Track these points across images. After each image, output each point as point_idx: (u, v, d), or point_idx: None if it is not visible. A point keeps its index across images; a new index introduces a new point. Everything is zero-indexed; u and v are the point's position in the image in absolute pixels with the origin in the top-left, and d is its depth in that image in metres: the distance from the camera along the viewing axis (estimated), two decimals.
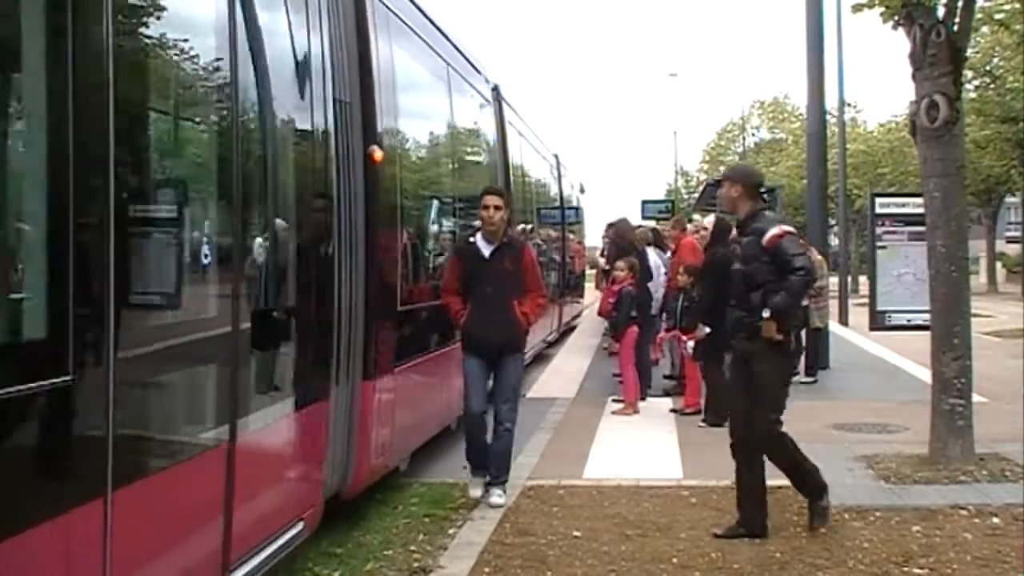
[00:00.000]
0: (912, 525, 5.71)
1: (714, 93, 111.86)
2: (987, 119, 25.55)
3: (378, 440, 5.85)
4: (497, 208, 6.36)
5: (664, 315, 10.83)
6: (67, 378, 2.72)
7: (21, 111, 2.78)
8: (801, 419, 9.15)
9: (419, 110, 7.59)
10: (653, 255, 11.54)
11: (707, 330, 8.90)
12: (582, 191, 24.53)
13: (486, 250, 6.38)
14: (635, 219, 18.54)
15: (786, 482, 6.70)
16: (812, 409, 9.81)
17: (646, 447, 8.13)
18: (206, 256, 3.71)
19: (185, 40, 3.58)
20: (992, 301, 28.34)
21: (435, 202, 8.29)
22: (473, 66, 9.88)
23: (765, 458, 5.65)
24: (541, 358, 14.05)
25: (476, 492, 6.35)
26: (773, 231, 5.42)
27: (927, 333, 7.46)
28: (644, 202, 25.05)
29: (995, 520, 5.77)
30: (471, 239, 6.55)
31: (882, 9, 7.26)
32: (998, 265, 39.07)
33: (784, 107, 56.40)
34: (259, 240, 4.27)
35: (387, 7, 6.36)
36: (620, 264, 10.26)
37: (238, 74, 3.89)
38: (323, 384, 5.01)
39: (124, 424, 3.01)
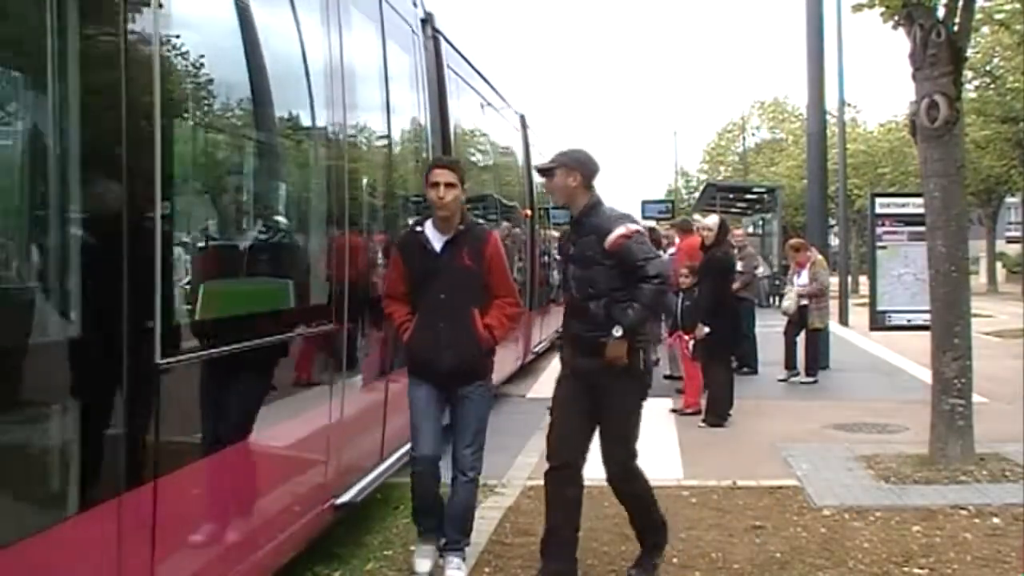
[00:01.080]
0: (912, 525, 5.71)
1: (714, 93, 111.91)
2: (987, 119, 25.56)
3: None
4: (450, 185, 4.79)
5: (664, 315, 10.83)
6: (332, 326, 4.81)
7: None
8: (801, 419, 9.23)
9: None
10: None
11: (707, 330, 8.94)
12: None
13: (437, 242, 4.88)
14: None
15: (786, 482, 6.74)
16: (812, 409, 9.84)
17: (646, 447, 8.07)
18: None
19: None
20: (992, 301, 28.34)
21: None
22: None
23: (576, 500, 4.89)
24: (541, 358, 14.02)
25: (423, 567, 4.94)
26: (619, 231, 4.59)
27: (927, 333, 7.47)
28: (644, 202, 25.11)
29: (995, 520, 5.77)
30: (418, 228, 4.99)
31: (882, 9, 7.27)
32: (998, 265, 39.09)
33: (784, 107, 56.43)
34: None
35: None
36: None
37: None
38: None
39: (360, 350, 5.38)
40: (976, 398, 7.46)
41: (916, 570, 4.98)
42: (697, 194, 43.60)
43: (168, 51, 3.34)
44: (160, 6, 3.20)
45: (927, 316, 7.56)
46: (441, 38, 8.48)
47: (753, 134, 58.97)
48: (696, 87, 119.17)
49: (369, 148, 5.99)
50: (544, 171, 4.94)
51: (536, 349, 12.99)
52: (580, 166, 4.77)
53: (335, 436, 4.91)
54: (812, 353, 11.76)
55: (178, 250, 3.40)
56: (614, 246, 4.57)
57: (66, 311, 2.77)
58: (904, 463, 7.08)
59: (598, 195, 4.82)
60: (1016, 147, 27.25)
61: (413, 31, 7.15)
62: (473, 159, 10.01)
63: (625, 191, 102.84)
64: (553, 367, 13.61)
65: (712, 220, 9.63)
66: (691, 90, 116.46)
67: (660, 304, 4.91)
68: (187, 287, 3.52)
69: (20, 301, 2.68)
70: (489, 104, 11.00)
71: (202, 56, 3.65)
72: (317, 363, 4.84)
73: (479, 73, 10.39)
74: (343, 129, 5.13)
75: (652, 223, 17.84)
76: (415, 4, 7.45)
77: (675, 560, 5.15)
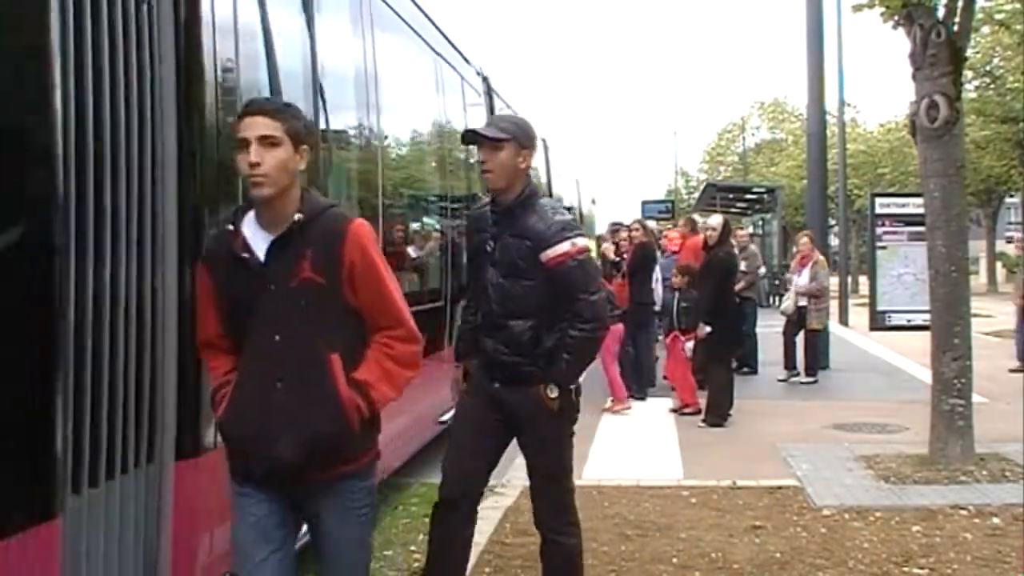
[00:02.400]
0: (912, 525, 5.71)
1: (714, 93, 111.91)
2: (987, 119, 25.55)
3: None
4: (269, 142, 2.79)
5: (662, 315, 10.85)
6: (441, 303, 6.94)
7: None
8: (801, 419, 9.23)
9: None
10: None
11: (708, 329, 8.94)
12: (593, 203, 25.47)
13: (259, 245, 2.88)
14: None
15: (786, 482, 6.75)
16: (812, 409, 9.84)
17: (646, 447, 8.13)
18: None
19: None
20: (992, 301, 28.31)
21: None
22: None
23: (469, 541, 4.16)
24: None
25: None
26: (562, 248, 3.67)
27: (927, 333, 7.47)
28: (644, 202, 25.18)
29: (995, 520, 5.77)
30: (231, 225, 2.94)
31: (882, 9, 7.27)
32: (998, 265, 39.06)
33: (784, 107, 56.44)
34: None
35: None
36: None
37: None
38: None
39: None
40: (976, 398, 7.46)
41: (916, 570, 4.98)
42: (697, 194, 43.59)
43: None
44: None
45: (927, 316, 7.57)
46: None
47: (753, 134, 59.04)
48: (696, 87, 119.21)
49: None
50: (486, 141, 3.76)
51: None
52: (531, 144, 3.84)
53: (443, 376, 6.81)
54: (812, 353, 11.77)
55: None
56: (554, 264, 3.69)
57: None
58: (904, 463, 7.08)
59: (532, 182, 3.92)
60: (1016, 147, 27.25)
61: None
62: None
63: (625, 191, 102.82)
64: None
65: (716, 220, 9.64)
66: (691, 90, 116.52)
67: (592, 352, 3.95)
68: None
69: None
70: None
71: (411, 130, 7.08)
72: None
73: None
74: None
75: (652, 223, 17.86)
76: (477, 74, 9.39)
77: (675, 560, 5.15)
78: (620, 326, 9.96)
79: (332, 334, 2.87)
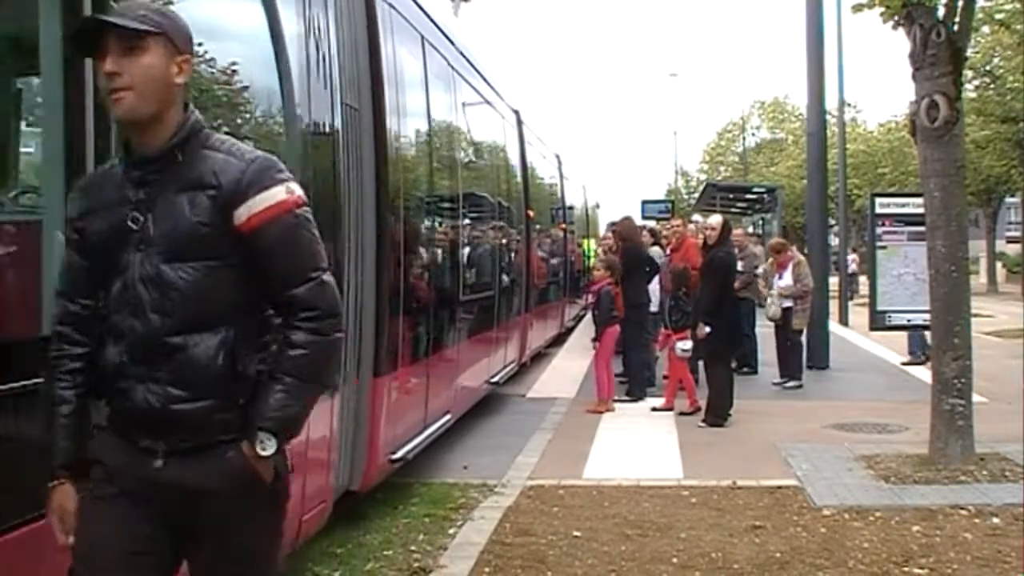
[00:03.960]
0: (912, 525, 5.71)
1: (714, 93, 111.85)
2: (987, 119, 25.55)
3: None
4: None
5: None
6: (491, 293, 9.43)
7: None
8: (801, 419, 9.23)
9: None
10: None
11: (708, 329, 8.93)
12: (597, 207, 26.59)
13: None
14: (635, 219, 18.85)
15: (786, 482, 6.75)
16: (812, 409, 9.84)
17: (646, 447, 8.13)
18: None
19: None
20: (992, 301, 28.34)
21: None
22: None
23: None
24: (541, 357, 14.02)
25: None
26: (274, 195, 2.27)
27: (927, 333, 7.46)
28: (644, 202, 25.18)
29: (995, 520, 5.77)
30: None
31: (882, 9, 7.26)
32: (998, 265, 39.07)
33: (784, 107, 56.41)
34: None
35: None
36: (596, 263, 10.18)
37: None
38: None
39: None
40: (976, 398, 7.46)
41: (916, 570, 4.98)
42: (697, 194, 43.59)
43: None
44: None
45: (927, 316, 7.57)
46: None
47: (753, 134, 58.98)
48: (696, 87, 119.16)
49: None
50: (121, 37, 2.19)
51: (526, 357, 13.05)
52: (189, 47, 2.34)
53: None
54: (796, 356, 11.61)
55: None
56: (259, 224, 2.24)
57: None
58: (904, 463, 7.08)
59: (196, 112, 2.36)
60: (1016, 147, 27.24)
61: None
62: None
63: (625, 191, 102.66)
64: (553, 367, 13.66)
65: (715, 219, 9.63)
66: (691, 90, 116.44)
67: (330, 368, 2.41)
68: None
69: None
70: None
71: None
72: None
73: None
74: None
75: (652, 223, 17.88)
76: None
77: (675, 560, 5.15)
78: (616, 329, 9.95)
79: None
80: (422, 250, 6.84)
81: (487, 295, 9.12)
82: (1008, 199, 38.47)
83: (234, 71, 3.92)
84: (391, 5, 6.00)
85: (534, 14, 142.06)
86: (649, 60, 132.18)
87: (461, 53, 8.65)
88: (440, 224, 7.79)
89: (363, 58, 5.54)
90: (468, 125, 8.80)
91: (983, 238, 36.91)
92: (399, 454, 6.00)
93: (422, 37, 6.98)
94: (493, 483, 6.77)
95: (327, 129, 4.93)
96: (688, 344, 9.46)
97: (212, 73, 3.76)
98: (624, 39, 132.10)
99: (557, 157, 17.04)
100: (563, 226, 16.90)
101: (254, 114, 4.28)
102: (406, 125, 6.35)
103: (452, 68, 8.14)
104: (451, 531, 5.74)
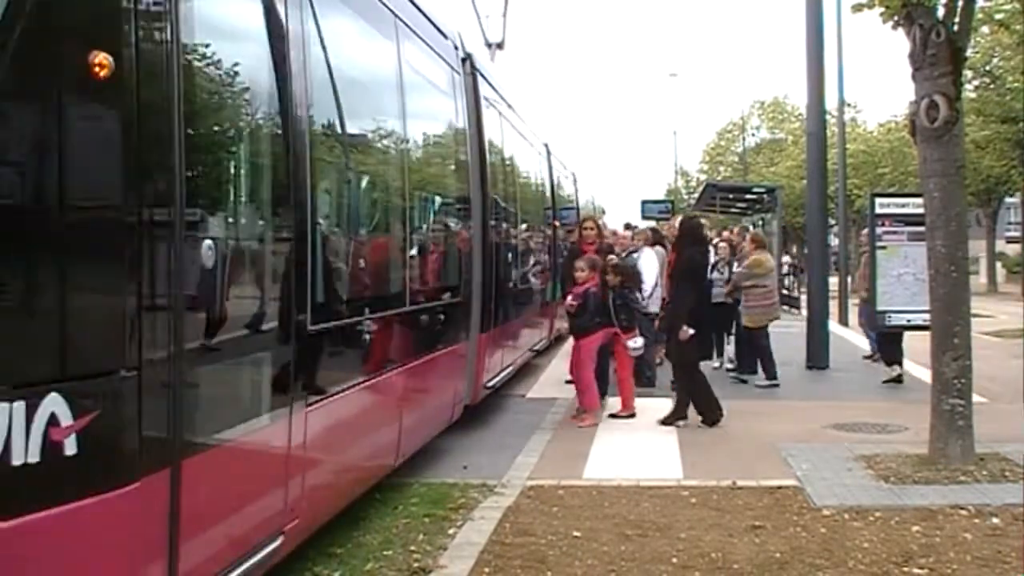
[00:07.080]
0: (912, 525, 5.71)
1: (714, 93, 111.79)
2: (987, 119, 25.59)
3: None
4: None
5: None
6: (537, 285, 13.02)
7: None
8: (801, 419, 9.23)
9: None
10: (653, 255, 11.51)
11: (691, 332, 8.81)
12: (603, 212, 27.46)
13: None
14: (635, 219, 19.10)
15: (786, 482, 6.75)
16: (812, 409, 9.84)
17: (646, 447, 8.13)
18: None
19: None
20: (992, 301, 28.36)
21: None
22: None
23: None
24: (542, 356, 14.02)
25: None
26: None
27: (927, 333, 7.47)
28: (644, 202, 25.10)
29: (995, 520, 5.77)
30: None
31: (882, 9, 7.27)
32: (998, 265, 39.10)
33: (784, 107, 56.45)
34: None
35: None
36: (580, 264, 9.40)
37: None
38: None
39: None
40: (976, 398, 7.47)
41: (916, 570, 4.98)
42: (697, 194, 43.60)
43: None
44: None
45: (927, 316, 7.57)
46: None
47: (753, 134, 59.03)
48: (696, 87, 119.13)
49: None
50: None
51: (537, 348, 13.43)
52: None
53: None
54: (759, 355, 11.48)
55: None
56: None
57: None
58: (904, 463, 7.08)
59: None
60: (1016, 147, 27.27)
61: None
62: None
63: (625, 191, 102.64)
64: (553, 367, 13.66)
65: (676, 220, 9.80)
66: (691, 90, 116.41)
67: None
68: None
69: None
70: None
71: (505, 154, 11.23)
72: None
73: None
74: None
75: (652, 223, 17.86)
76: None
77: (675, 560, 5.15)
78: (601, 333, 9.56)
79: None
80: (502, 254, 9.79)
81: (535, 287, 12.62)
82: (1008, 199, 38.51)
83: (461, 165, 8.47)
84: (488, 100, 9.45)
85: (534, 14, 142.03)
86: (649, 60, 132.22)
87: (515, 111, 11.87)
88: (511, 236, 10.86)
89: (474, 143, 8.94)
90: (522, 160, 12.41)
91: (983, 238, 36.95)
92: (491, 384, 9.14)
93: (499, 113, 10.42)
94: (493, 483, 6.77)
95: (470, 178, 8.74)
96: (639, 342, 9.35)
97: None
98: (624, 39, 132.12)
99: (573, 175, 20.29)
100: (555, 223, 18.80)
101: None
102: (494, 169, 9.60)
103: (514, 128, 11.58)
104: (451, 531, 5.74)
